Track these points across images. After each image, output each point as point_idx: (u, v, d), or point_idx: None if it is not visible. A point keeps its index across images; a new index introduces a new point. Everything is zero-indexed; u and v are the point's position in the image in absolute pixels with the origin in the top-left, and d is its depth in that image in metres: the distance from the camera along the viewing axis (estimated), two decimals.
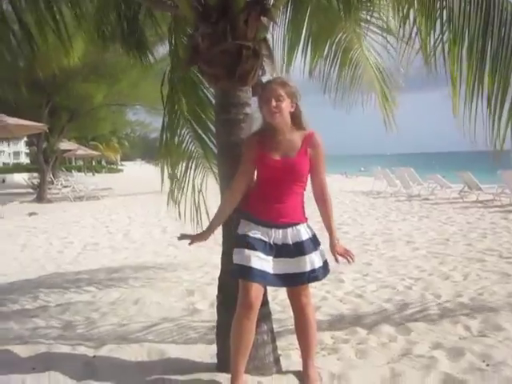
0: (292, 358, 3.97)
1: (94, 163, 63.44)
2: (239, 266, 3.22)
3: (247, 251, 3.21)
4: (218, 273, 3.81)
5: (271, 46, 5.04)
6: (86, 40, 4.86)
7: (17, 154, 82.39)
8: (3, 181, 39.24)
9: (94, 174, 55.03)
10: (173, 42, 4.92)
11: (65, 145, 30.80)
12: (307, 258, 3.31)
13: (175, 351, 4.15)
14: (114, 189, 25.60)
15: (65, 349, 4.28)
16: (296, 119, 3.40)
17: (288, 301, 3.60)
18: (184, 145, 5.23)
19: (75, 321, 5.31)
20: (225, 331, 3.37)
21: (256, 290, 3.19)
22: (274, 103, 3.28)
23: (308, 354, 3.54)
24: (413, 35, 3.72)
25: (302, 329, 3.53)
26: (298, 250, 3.31)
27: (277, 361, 3.71)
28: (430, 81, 3.63)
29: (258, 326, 3.45)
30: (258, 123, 3.52)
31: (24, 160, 75.71)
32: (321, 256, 3.39)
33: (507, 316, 4.97)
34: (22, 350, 4.23)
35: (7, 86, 20.13)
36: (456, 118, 3.50)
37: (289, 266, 3.29)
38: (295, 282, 3.37)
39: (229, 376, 3.32)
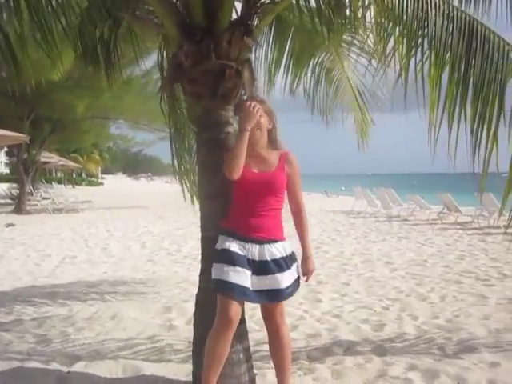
0: (268, 377, 3.97)
1: (74, 175, 62.99)
2: (218, 281, 3.23)
3: (226, 266, 3.22)
4: (195, 290, 3.81)
5: (254, 64, 5.10)
6: (71, 55, 4.73)
7: None
8: None
9: (73, 187, 54.62)
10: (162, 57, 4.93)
11: (45, 156, 30.53)
12: (284, 275, 3.33)
13: (150, 368, 4.12)
14: (93, 202, 25.38)
15: (38, 364, 4.23)
16: (272, 137, 3.49)
17: None
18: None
19: (50, 335, 5.25)
20: (201, 349, 3.35)
21: (236, 306, 3.19)
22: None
23: (283, 373, 3.54)
24: (393, 57, 3.81)
25: (276, 348, 3.53)
26: (276, 266, 3.32)
27: (252, 380, 3.70)
28: (401, 102, 3.71)
29: (234, 344, 3.45)
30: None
31: (3, 170, 74.81)
32: (296, 272, 3.44)
33: (482, 338, 5.03)
34: None
35: None
36: (431, 139, 3.60)
37: (266, 282, 3.30)
38: (273, 299, 3.37)
39: None
